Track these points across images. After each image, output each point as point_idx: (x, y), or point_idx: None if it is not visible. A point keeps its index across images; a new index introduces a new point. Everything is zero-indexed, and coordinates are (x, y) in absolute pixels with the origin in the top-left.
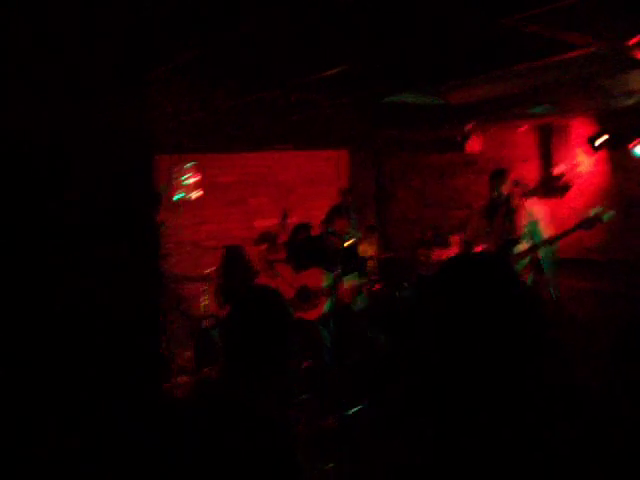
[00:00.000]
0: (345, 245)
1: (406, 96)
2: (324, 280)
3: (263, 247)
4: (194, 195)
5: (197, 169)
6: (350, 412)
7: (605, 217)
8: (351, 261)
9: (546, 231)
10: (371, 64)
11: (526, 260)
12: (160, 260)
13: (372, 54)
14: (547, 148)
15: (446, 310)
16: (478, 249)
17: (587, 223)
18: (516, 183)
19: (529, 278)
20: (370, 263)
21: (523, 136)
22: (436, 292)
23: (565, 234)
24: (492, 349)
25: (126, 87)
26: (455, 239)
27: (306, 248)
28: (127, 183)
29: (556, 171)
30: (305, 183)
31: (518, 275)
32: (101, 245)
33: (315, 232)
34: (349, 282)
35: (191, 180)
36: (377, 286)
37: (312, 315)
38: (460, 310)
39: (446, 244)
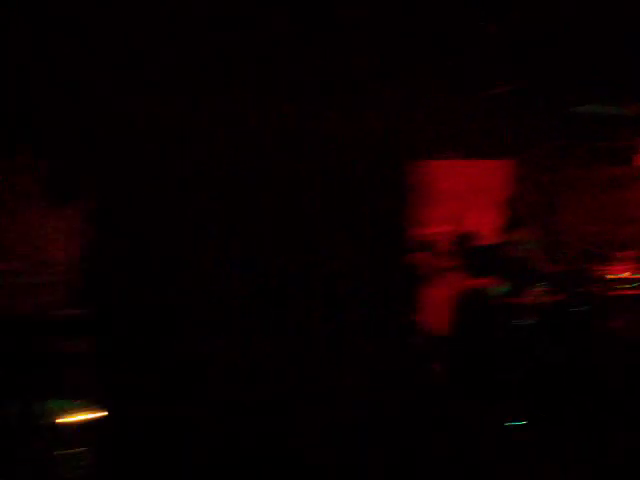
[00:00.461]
0: (522, 255)
1: (585, 107)
2: (498, 289)
3: (425, 254)
4: None
5: None
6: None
7: None
8: (525, 271)
9: None
10: (555, 75)
11: None
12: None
13: (558, 66)
14: None
15: None
16: None
17: None
18: None
19: None
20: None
21: None
22: None
23: None
24: None
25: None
26: (623, 255)
27: (482, 257)
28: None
29: None
30: (469, 192)
31: None
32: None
33: (486, 241)
34: (524, 292)
35: None
36: (552, 298)
37: None
38: None
39: (614, 260)
